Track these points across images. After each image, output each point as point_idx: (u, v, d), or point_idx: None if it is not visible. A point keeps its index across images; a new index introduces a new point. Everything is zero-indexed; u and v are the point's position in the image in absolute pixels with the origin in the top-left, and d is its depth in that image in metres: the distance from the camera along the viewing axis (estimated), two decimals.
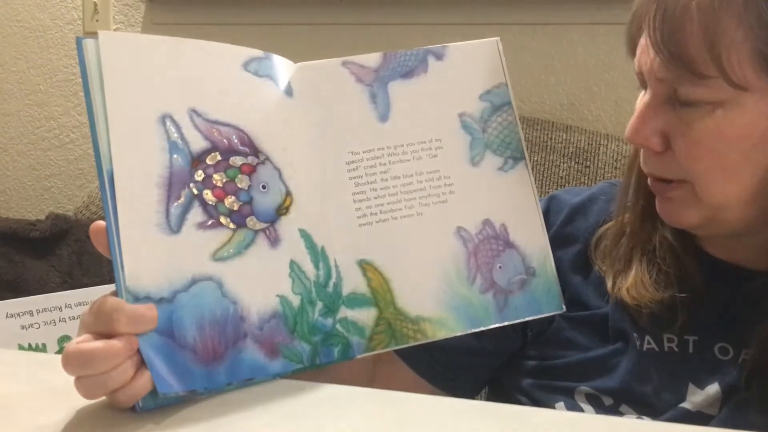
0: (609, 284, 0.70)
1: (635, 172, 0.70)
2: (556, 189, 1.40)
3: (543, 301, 0.66)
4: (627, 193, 0.72)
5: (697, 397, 0.65)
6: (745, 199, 0.62)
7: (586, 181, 1.41)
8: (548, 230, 0.74)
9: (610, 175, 1.41)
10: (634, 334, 0.69)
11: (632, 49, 0.66)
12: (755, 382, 0.63)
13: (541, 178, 1.42)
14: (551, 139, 1.47)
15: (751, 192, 0.62)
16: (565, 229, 0.76)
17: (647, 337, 0.68)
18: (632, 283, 0.68)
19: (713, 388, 0.65)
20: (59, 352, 0.90)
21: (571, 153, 1.44)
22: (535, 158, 1.44)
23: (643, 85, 0.65)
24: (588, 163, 1.43)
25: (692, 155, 0.62)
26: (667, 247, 0.69)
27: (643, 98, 0.65)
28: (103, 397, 0.51)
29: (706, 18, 0.58)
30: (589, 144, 1.45)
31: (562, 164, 1.43)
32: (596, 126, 1.56)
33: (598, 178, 1.41)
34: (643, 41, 0.63)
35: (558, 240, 0.75)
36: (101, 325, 0.50)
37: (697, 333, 0.67)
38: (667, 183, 0.65)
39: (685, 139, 0.62)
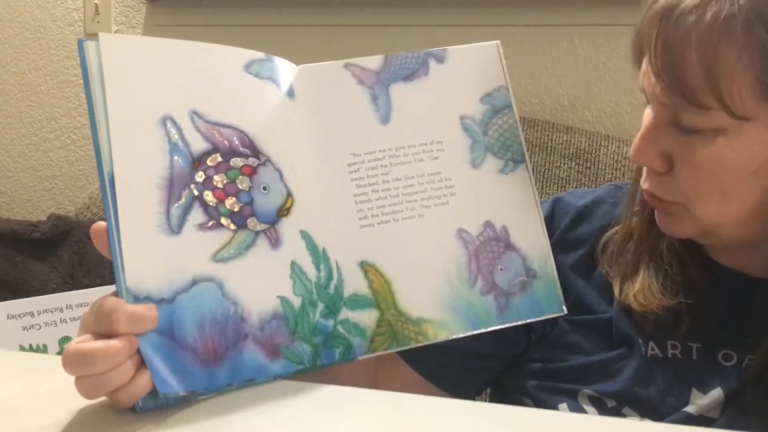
0: (616, 290, 0.70)
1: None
2: (557, 190, 1.40)
3: (544, 303, 0.66)
4: (634, 199, 0.72)
5: (700, 402, 0.65)
6: (744, 219, 0.63)
7: (586, 183, 1.41)
8: (553, 233, 0.75)
9: (610, 176, 1.41)
10: (639, 340, 0.69)
11: (638, 63, 0.66)
12: (758, 387, 0.63)
13: (541, 179, 1.42)
14: (551, 140, 1.47)
15: (751, 212, 0.62)
16: (570, 233, 0.76)
17: (651, 343, 0.69)
18: (639, 289, 0.68)
19: (716, 393, 0.65)
20: (60, 352, 0.90)
21: (572, 154, 1.44)
22: (536, 159, 1.44)
23: (648, 102, 0.65)
24: (588, 164, 1.43)
25: (693, 179, 0.62)
26: (674, 253, 0.69)
27: (647, 117, 0.65)
28: (104, 398, 0.51)
29: (706, 48, 0.57)
30: (589, 145, 1.45)
31: (562, 165, 1.43)
32: (597, 127, 1.56)
33: (598, 180, 1.41)
34: (645, 64, 0.63)
35: (562, 244, 0.75)
36: (101, 326, 0.50)
37: (701, 340, 0.67)
38: (661, 201, 0.66)
39: (686, 163, 0.62)
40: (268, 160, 0.59)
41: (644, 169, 0.68)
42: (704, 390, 0.66)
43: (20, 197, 1.98)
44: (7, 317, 0.91)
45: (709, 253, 0.70)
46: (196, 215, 0.55)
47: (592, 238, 0.75)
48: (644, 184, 0.67)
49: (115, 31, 1.87)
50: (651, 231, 0.70)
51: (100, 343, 0.49)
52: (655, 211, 0.68)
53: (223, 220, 0.56)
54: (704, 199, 0.62)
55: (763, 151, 0.60)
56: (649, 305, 0.67)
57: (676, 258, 0.69)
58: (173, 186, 0.54)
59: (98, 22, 1.88)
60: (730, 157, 0.60)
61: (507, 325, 0.66)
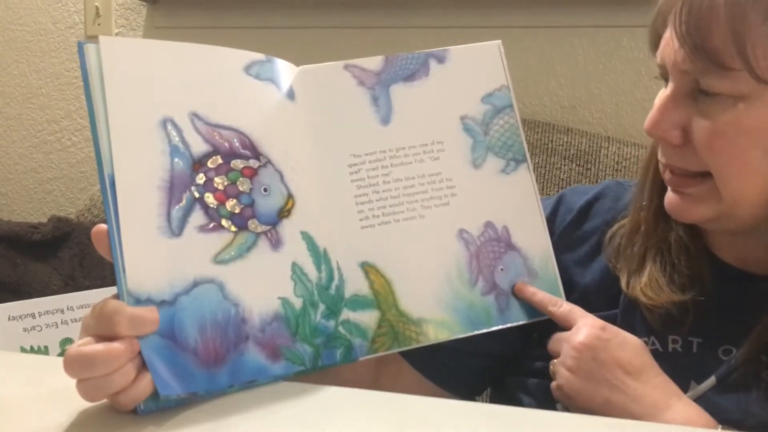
0: (623, 282, 0.70)
1: (651, 172, 0.71)
2: (557, 192, 1.40)
3: None
4: (642, 193, 0.72)
5: (696, 391, 0.66)
6: (764, 197, 0.62)
7: (587, 184, 1.41)
8: (556, 231, 0.75)
9: (611, 177, 1.41)
10: (643, 339, 0.69)
11: (655, 44, 0.67)
12: (743, 373, 0.65)
13: (542, 180, 1.42)
14: (552, 141, 1.47)
15: None
16: (574, 231, 0.76)
17: (652, 338, 0.69)
18: (646, 283, 0.68)
19: (710, 381, 0.66)
20: (61, 354, 0.90)
21: (572, 155, 1.44)
22: (536, 161, 1.44)
23: (665, 79, 0.66)
24: (589, 165, 1.43)
25: (711, 147, 0.62)
26: (682, 246, 0.69)
27: (663, 92, 0.65)
28: (105, 400, 0.51)
29: (733, 11, 0.58)
30: (590, 146, 1.45)
31: (563, 167, 1.43)
32: (597, 128, 1.56)
33: (599, 181, 1.41)
34: (668, 35, 0.64)
35: (566, 241, 0.75)
36: (103, 328, 0.50)
37: (702, 335, 0.68)
38: (688, 178, 0.65)
39: (705, 131, 0.62)
40: (269, 161, 0.59)
41: (660, 146, 0.67)
42: (702, 382, 0.66)
43: (21, 199, 1.98)
44: (8, 319, 0.91)
45: (713, 249, 0.70)
46: (197, 217, 0.55)
47: (595, 234, 0.75)
48: (662, 159, 0.67)
49: (116, 34, 1.87)
50: (659, 224, 0.70)
51: (102, 346, 0.49)
52: (668, 197, 0.67)
53: (223, 222, 0.56)
54: (724, 170, 0.62)
55: None
56: (658, 299, 0.67)
57: (684, 251, 0.69)
58: (174, 188, 0.54)
59: (99, 24, 1.88)
60: (748, 124, 0.60)
61: (508, 326, 0.66)
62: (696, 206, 0.65)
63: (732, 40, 0.58)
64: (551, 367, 0.66)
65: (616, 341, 0.63)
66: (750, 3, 0.58)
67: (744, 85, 0.59)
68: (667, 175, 0.67)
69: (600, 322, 0.64)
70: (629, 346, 0.63)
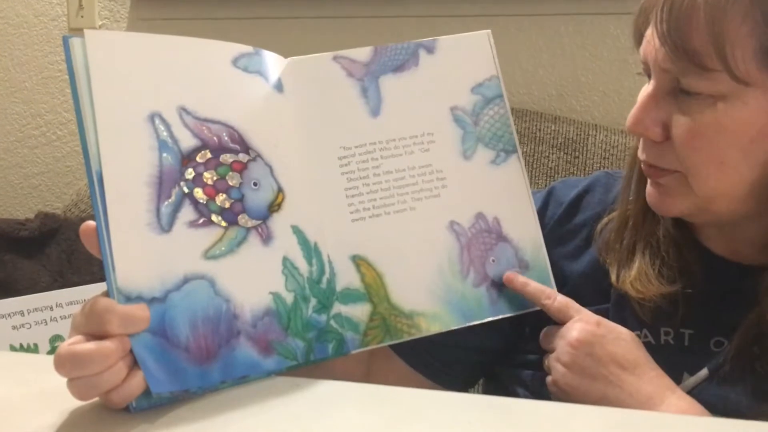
0: (613, 276, 0.70)
1: (637, 166, 0.71)
2: (546, 180, 1.40)
3: None
4: (629, 187, 0.72)
5: (689, 383, 0.66)
6: (741, 193, 0.63)
7: (575, 172, 1.41)
8: (547, 224, 0.75)
9: (599, 165, 1.41)
10: (635, 332, 0.69)
11: (638, 40, 0.67)
12: (735, 364, 0.65)
13: (530, 169, 1.42)
14: (540, 130, 1.47)
15: (747, 186, 0.62)
16: (565, 224, 0.76)
17: (645, 330, 0.69)
18: (636, 276, 0.68)
19: (703, 372, 0.66)
20: (51, 351, 0.90)
21: (560, 144, 1.44)
22: (524, 150, 1.44)
23: (648, 76, 0.66)
24: (577, 153, 1.43)
25: (691, 146, 0.62)
26: (670, 239, 0.69)
27: (646, 89, 0.65)
28: (97, 398, 0.51)
29: (713, 12, 0.59)
30: (577, 134, 1.45)
31: (551, 155, 1.43)
32: (585, 116, 1.56)
33: (587, 169, 1.41)
34: (649, 32, 0.64)
35: (557, 235, 0.75)
36: (93, 326, 0.50)
37: (694, 327, 0.68)
38: (660, 168, 0.66)
39: (685, 129, 0.62)
40: (258, 155, 0.59)
41: (640, 142, 0.68)
42: (694, 373, 0.66)
43: (7, 195, 1.97)
44: None
45: (703, 240, 0.70)
46: (187, 213, 0.54)
47: (586, 226, 0.75)
48: (641, 155, 0.67)
49: (100, 26, 1.85)
50: (646, 218, 0.70)
51: (92, 345, 0.48)
52: (647, 190, 0.68)
53: (213, 217, 0.55)
54: (701, 168, 0.63)
55: (761, 118, 0.60)
56: (647, 293, 0.67)
57: (673, 244, 0.69)
58: (163, 183, 0.54)
59: (82, 16, 1.86)
60: (728, 123, 0.61)
61: (500, 317, 0.66)
62: (671, 198, 0.66)
63: (711, 41, 0.59)
64: (546, 362, 0.66)
65: (611, 337, 0.63)
66: (730, 4, 0.58)
67: (723, 86, 0.60)
68: (643, 166, 0.67)
69: (595, 318, 0.64)
70: (624, 341, 0.64)
